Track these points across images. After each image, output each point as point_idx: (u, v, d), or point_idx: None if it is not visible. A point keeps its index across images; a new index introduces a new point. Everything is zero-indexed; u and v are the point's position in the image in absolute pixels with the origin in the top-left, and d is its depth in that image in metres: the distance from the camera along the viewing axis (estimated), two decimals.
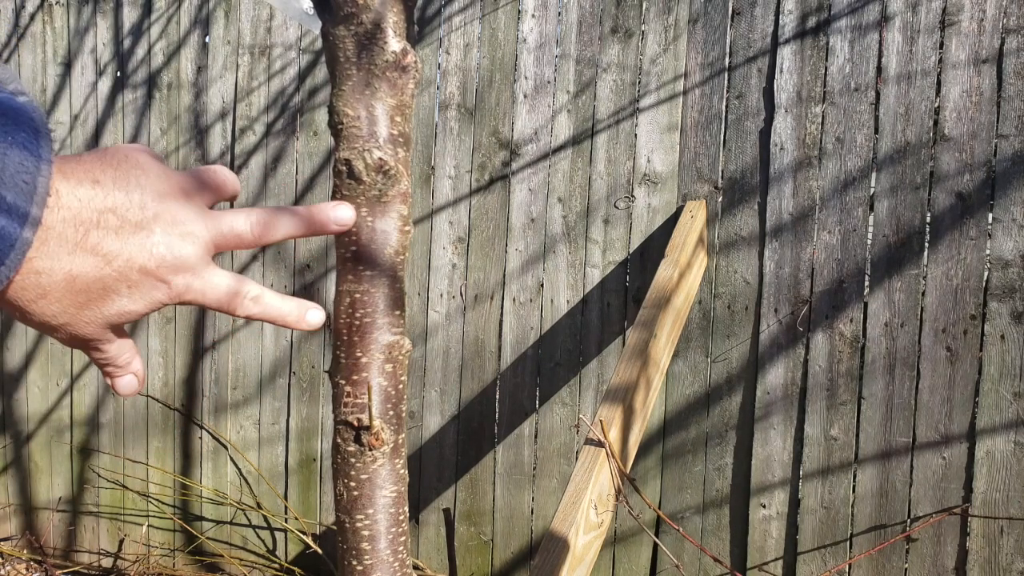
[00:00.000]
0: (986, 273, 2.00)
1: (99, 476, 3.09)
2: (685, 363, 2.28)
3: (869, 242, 2.11)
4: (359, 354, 0.55)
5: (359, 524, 0.57)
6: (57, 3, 3.08)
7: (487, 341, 2.51)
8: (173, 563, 2.99)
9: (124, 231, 0.43)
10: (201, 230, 0.47)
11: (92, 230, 0.42)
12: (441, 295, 2.56)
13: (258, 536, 2.86)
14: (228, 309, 0.49)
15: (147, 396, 2.99)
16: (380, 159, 0.53)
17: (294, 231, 0.52)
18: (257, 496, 2.84)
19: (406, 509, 0.59)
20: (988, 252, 2.00)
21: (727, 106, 2.23)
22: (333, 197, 0.55)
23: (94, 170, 0.43)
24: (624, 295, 2.34)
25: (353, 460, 0.56)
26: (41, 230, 0.40)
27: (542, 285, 2.44)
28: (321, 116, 2.71)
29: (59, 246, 0.41)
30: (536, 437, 2.47)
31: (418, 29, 2.58)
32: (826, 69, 2.12)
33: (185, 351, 2.94)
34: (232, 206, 2.80)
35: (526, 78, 2.44)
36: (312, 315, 0.52)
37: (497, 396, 2.51)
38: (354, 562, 0.57)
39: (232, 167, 2.86)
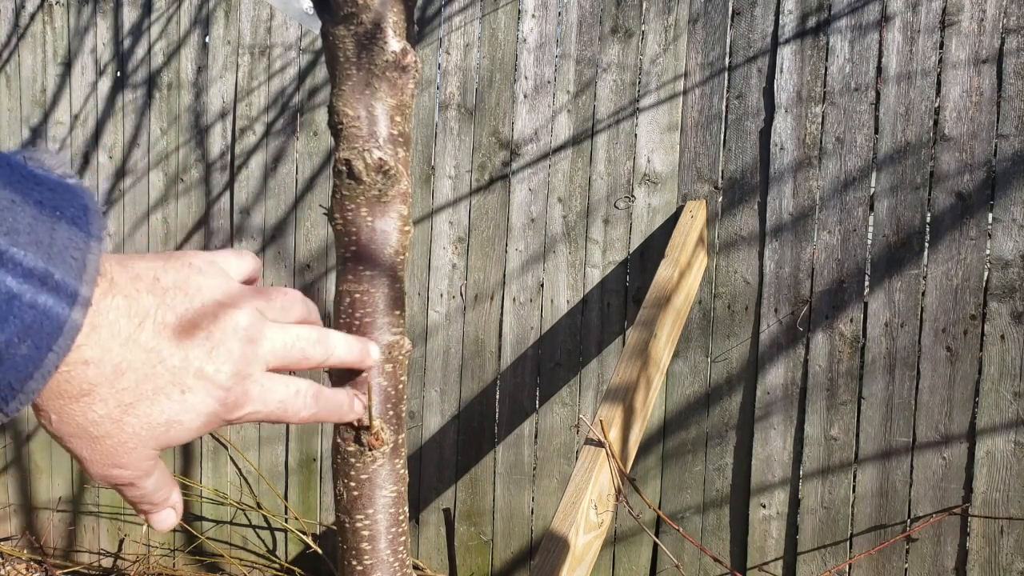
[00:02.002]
0: (986, 273, 2.00)
1: None
2: (685, 363, 2.28)
3: (869, 242, 2.11)
4: None
5: (359, 524, 0.57)
6: (57, 3, 3.08)
7: (487, 341, 2.51)
8: (173, 563, 2.99)
9: (181, 331, 0.40)
10: (265, 340, 0.43)
11: (147, 323, 0.38)
12: (441, 295, 2.56)
13: (258, 536, 2.86)
14: (289, 415, 0.45)
15: None
16: (380, 159, 0.53)
17: (346, 358, 0.49)
18: (257, 496, 2.84)
19: (406, 509, 0.59)
20: (988, 252, 2.00)
21: (727, 106, 2.23)
22: (333, 197, 0.55)
23: (155, 266, 0.40)
24: (624, 295, 2.34)
25: (353, 460, 0.56)
26: (91, 313, 0.36)
27: (542, 285, 2.44)
28: (321, 116, 2.71)
29: (111, 336, 0.37)
30: (536, 437, 2.47)
31: (418, 29, 2.58)
32: (826, 69, 2.12)
33: None
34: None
35: (526, 78, 2.44)
36: (358, 405, 0.51)
37: (497, 396, 2.51)
38: (354, 562, 0.57)
39: (232, 167, 2.86)
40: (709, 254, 2.24)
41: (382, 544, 0.57)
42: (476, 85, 2.51)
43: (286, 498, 2.80)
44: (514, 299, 2.47)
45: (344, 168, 0.54)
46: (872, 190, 2.10)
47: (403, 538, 0.59)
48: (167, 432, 0.40)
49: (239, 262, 0.47)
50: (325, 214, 0.68)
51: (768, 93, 2.18)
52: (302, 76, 2.74)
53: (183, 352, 0.39)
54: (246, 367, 0.42)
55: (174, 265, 0.41)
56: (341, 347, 0.48)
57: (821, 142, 2.13)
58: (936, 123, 2.04)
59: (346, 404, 0.50)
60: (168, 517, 0.46)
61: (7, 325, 0.32)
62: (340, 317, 0.56)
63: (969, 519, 2.02)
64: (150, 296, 0.39)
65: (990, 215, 2.00)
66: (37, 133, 3.20)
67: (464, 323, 2.54)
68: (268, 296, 0.45)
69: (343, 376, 0.56)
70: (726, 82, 2.23)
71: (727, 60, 2.22)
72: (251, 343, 0.42)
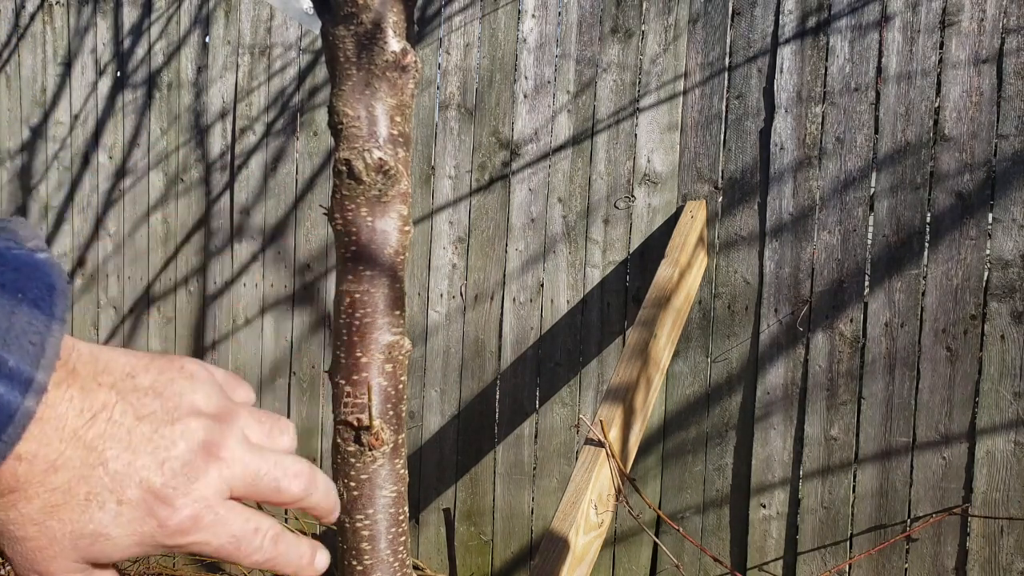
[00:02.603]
0: (986, 273, 2.00)
1: None
2: (685, 363, 2.28)
3: (869, 242, 2.11)
4: (359, 354, 0.55)
5: (359, 524, 0.57)
6: (57, 3, 3.08)
7: (487, 341, 2.51)
8: (173, 563, 2.99)
9: (138, 433, 0.35)
10: (236, 462, 0.38)
11: (99, 419, 0.35)
12: (441, 295, 2.56)
13: None
14: (239, 555, 0.39)
15: None
16: (380, 159, 0.53)
17: (328, 501, 0.44)
18: None
19: (406, 509, 0.59)
20: (988, 252, 2.00)
21: (727, 106, 2.23)
22: (333, 197, 0.55)
23: (138, 364, 0.37)
24: (624, 295, 2.34)
25: (353, 460, 0.56)
26: (42, 404, 0.33)
27: (542, 285, 2.44)
28: (321, 116, 2.71)
29: (54, 430, 0.34)
30: (536, 437, 2.47)
31: (418, 29, 2.58)
32: (826, 69, 2.12)
33: (185, 351, 2.94)
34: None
35: (526, 78, 2.44)
36: (320, 559, 0.44)
37: (497, 396, 2.51)
38: (354, 562, 0.57)
39: (232, 167, 2.86)
40: (709, 254, 2.24)
41: (382, 544, 0.57)
42: (476, 85, 2.51)
43: None
44: (514, 299, 2.47)
45: (344, 168, 0.54)
46: (872, 190, 2.10)
47: (403, 538, 0.59)
48: (92, 545, 0.36)
49: (240, 386, 0.43)
50: (325, 214, 0.68)
51: (768, 93, 2.18)
52: (302, 76, 2.74)
53: (131, 456, 0.35)
54: (203, 490, 0.36)
55: (160, 366, 0.38)
56: (321, 490, 0.42)
57: (821, 142, 2.13)
58: (936, 123, 2.04)
59: (306, 556, 0.43)
60: None
61: None
62: (340, 317, 0.56)
63: (969, 519, 2.02)
64: (112, 392, 0.35)
65: (990, 215, 2.00)
66: (37, 133, 3.20)
67: (464, 323, 2.54)
68: (259, 418, 0.41)
69: (342, 373, 0.56)
70: (726, 82, 2.23)
71: (727, 60, 2.22)
72: (216, 461, 0.37)
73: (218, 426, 0.38)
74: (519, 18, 2.45)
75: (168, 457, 0.36)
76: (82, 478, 0.34)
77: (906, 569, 2.08)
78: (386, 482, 0.57)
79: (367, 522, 0.57)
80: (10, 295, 0.33)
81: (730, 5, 2.21)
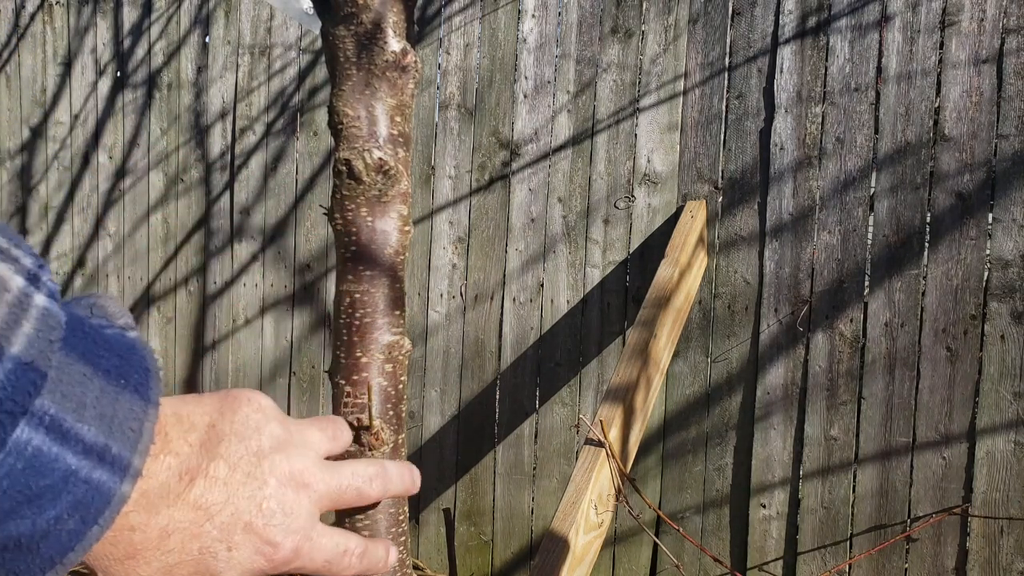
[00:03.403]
0: (986, 273, 2.00)
1: None
2: (685, 363, 2.28)
3: (869, 242, 2.11)
4: (359, 354, 0.55)
5: (359, 524, 0.57)
6: (57, 3, 3.08)
7: (487, 341, 2.51)
8: None
9: (233, 482, 0.38)
10: (320, 484, 0.42)
11: (199, 479, 0.37)
12: (441, 295, 2.56)
13: None
14: (334, 572, 0.43)
15: None
16: (380, 159, 0.53)
17: (400, 490, 0.48)
18: None
19: (406, 509, 0.59)
20: (988, 252, 2.00)
21: (727, 106, 2.23)
22: (333, 197, 0.55)
23: (211, 410, 0.39)
24: (624, 295, 2.34)
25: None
26: (141, 480, 0.35)
27: (542, 285, 2.44)
28: (321, 116, 2.71)
29: (160, 498, 0.36)
30: (536, 437, 2.47)
31: (418, 29, 2.58)
32: (826, 69, 2.12)
33: (185, 351, 2.94)
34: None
35: (526, 78, 2.44)
36: (393, 554, 0.48)
37: (497, 396, 2.51)
38: None
39: (232, 167, 2.86)
40: (709, 254, 2.24)
41: None
42: (476, 85, 2.51)
43: None
44: (514, 299, 2.47)
45: (344, 168, 0.53)
46: (872, 190, 2.10)
47: (403, 538, 0.58)
48: None
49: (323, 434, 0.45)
50: (325, 214, 0.68)
51: (768, 93, 2.18)
52: (302, 76, 2.74)
53: (232, 506, 0.38)
54: (298, 520, 0.40)
55: (231, 406, 0.40)
56: (396, 480, 0.47)
57: (821, 142, 2.13)
58: (936, 123, 2.04)
59: (383, 559, 0.47)
60: None
61: (59, 501, 0.32)
62: (340, 317, 0.56)
63: (969, 519, 2.02)
64: (202, 449, 0.38)
65: (990, 215, 2.00)
66: (37, 133, 3.20)
67: (464, 323, 2.54)
68: (321, 427, 0.44)
69: (342, 373, 0.56)
70: (726, 82, 2.23)
71: (727, 60, 2.22)
72: (305, 488, 0.41)
73: (296, 452, 0.41)
74: (519, 18, 2.45)
75: (264, 497, 0.39)
76: (193, 536, 0.37)
77: (906, 569, 2.08)
78: None
79: (367, 522, 0.57)
80: (115, 382, 0.34)
81: (730, 5, 2.21)
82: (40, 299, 0.31)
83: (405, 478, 0.48)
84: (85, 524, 0.33)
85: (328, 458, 0.45)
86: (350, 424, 0.56)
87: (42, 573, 0.33)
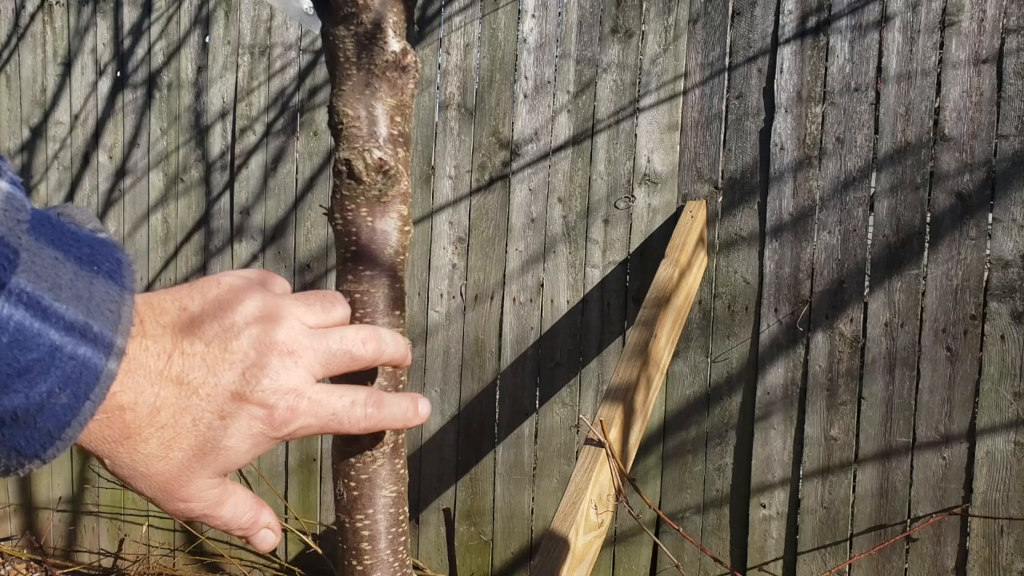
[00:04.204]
0: (986, 273, 2.00)
1: (99, 476, 3.09)
2: (685, 363, 2.28)
3: (869, 242, 2.11)
4: None
5: (359, 524, 0.57)
6: (57, 3, 3.08)
7: (487, 341, 2.51)
8: (173, 563, 2.99)
9: (211, 356, 0.39)
10: (306, 350, 0.42)
11: (175, 356, 0.39)
12: (441, 295, 2.56)
13: None
14: (346, 427, 0.43)
15: None
16: (380, 159, 0.53)
17: (397, 355, 0.48)
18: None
19: (406, 509, 0.59)
20: (988, 252, 2.00)
21: (727, 106, 2.23)
22: (333, 197, 0.55)
23: (183, 297, 0.40)
24: (624, 295, 2.34)
25: (353, 460, 0.56)
26: (125, 361, 0.37)
27: (542, 285, 2.44)
28: (321, 116, 2.71)
29: (143, 378, 0.38)
30: (536, 437, 2.47)
31: (418, 29, 2.58)
32: (826, 69, 2.12)
33: None
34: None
35: (526, 78, 2.44)
36: (423, 407, 0.48)
37: (497, 396, 2.51)
38: (354, 562, 0.57)
39: (232, 167, 2.86)
40: (709, 254, 2.24)
41: (382, 544, 0.57)
42: (476, 85, 2.51)
43: (286, 498, 2.80)
44: (514, 299, 2.47)
45: (344, 168, 0.53)
46: (872, 190, 2.10)
47: (403, 538, 0.59)
48: (217, 460, 0.40)
49: (277, 282, 0.46)
50: (325, 214, 0.68)
51: (768, 93, 2.18)
52: (302, 76, 2.74)
53: (215, 378, 0.39)
54: (288, 382, 0.41)
55: (201, 289, 0.41)
56: (391, 345, 0.47)
57: (821, 142, 2.13)
58: (936, 123, 2.04)
59: (411, 410, 0.47)
60: (266, 538, 0.46)
61: (49, 376, 0.34)
62: None
63: (969, 519, 2.02)
64: (176, 330, 0.39)
65: (990, 215, 2.00)
66: (37, 133, 3.20)
67: (464, 323, 2.54)
68: (307, 302, 0.44)
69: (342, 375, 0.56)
70: (726, 82, 2.23)
71: (727, 60, 2.22)
72: (291, 356, 0.41)
73: (275, 324, 0.41)
74: (519, 18, 2.45)
75: (247, 367, 0.40)
76: (182, 409, 0.39)
77: (906, 569, 2.08)
78: (386, 482, 0.57)
79: (367, 522, 0.57)
80: (87, 268, 0.36)
81: (730, 5, 2.21)
82: (3, 184, 0.33)
83: (400, 345, 0.48)
84: (78, 399, 0.35)
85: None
86: None
87: (43, 450, 0.35)
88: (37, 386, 0.34)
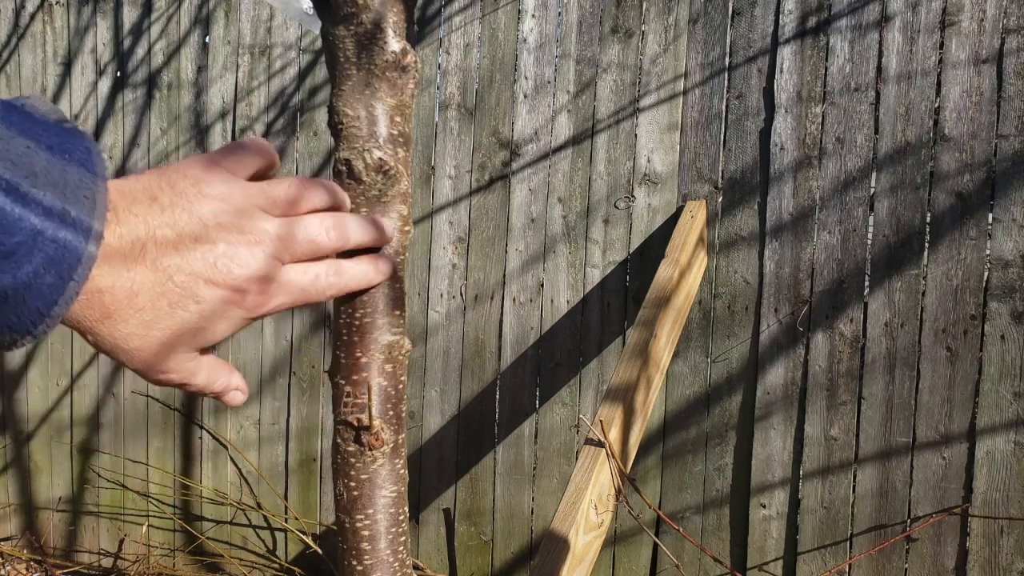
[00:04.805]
0: (986, 273, 2.00)
1: (99, 476, 3.09)
2: (685, 363, 2.28)
3: (869, 242, 2.11)
4: (359, 354, 0.55)
5: (359, 524, 0.57)
6: (57, 3, 3.07)
7: (487, 341, 2.51)
8: (173, 563, 2.99)
9: (183, 245, 0.42)
10: (271, 239, 0.44)
11: (149, 245, 0.41)
12: (441, 295, 2.56)
13: (258, 536, 2.86)
14: (315, 297, 0.47)
15: (147, 396, 2.99)
16: (380, 159, 0.53)
17: (364, 239, 0.50)
18: (257, 496, 2.84)
19: (406, 509, 0.59)
20: (988, 252, 2.00)
21: (727, 106, 2.23)
22: None
23: (152, 186, 0.42)
24: (624, 295, 2.34)
25: (353, 460, 0.56)
26: (102, 246, 0.39)
27: (542, 285, 2.44)
28: (321, 116, 2.71)
29: (120, 261, 0.40)
30: (536, 437, 2.47)
31: (418, 29, 2.58)
32: (826, 69, 2.12)
33: None
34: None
35: (526, 78, 2.44)
36: (382, 265, 0.52)
37: (497, 396, 2.51)
38: (354, 562, 0.57)
39: None
40: (709, 254, 2.24)
41: (382, 544, 0.57)
42: (476, 85, 2.51)
43: (286, 498, 2.80)
44: (514, 299, 2.47)
45: (344, 168, 0.53)
46: (872, 190, 2.10)
47: (403, 538, 0.59)
48: (195, 339, 0.44)
49: (247, 157, 0.47)
50: None
51: (768, 93, 2.18)
52: (302, 76, 2.74)
53: (188, 266, 0.42)
54: (258, 267, 0.44)
55: (171, 180, 0.43)
56: (356, 231, 0.49)
57: (821, 142, 2.13)
58: (936, 123, 2.04)
59: (370, 271, 0.51)
60: (235, 397, 0.49)
61: (33, 257, 0.36)
62: (340, 317, 0.56)
63: (969, 519, 2.02)
64: (147, 220, 0.41)
65: (990, 215, 2.00)
66: None
67: (464, 323, 2.54)
68: (272, 191, 0.46)
69: (342, 373, 0.56)
70: (726, 82, 2.23)
71: (727, 60, 2.22)
72: (259, 245, 0.44)
73: (242, 215, 0.44)
74: (519, 18, 2.45)
75: (216, 256, 0.42)
76: (159, 294, 0.41)
77: (906, 569, 2.08)
78: (386, 482, 0.57)
79: (367, 522, 0.57)
80: (59, 156, 0.38)
81: (730, 5, 2.21)
82: None
83: (367, 229, 0.50)
84: (62, 280, 0.37)
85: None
86: (350, 424, 0.56)
87: (34, 327, 0.38)
88: (23, 267, 0.36)
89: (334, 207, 0.50)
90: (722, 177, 2.23)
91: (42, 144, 0.38)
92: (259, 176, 0.48)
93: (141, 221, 0.41)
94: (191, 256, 0.42)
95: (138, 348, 0.42)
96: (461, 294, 2.54)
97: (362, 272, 0.51)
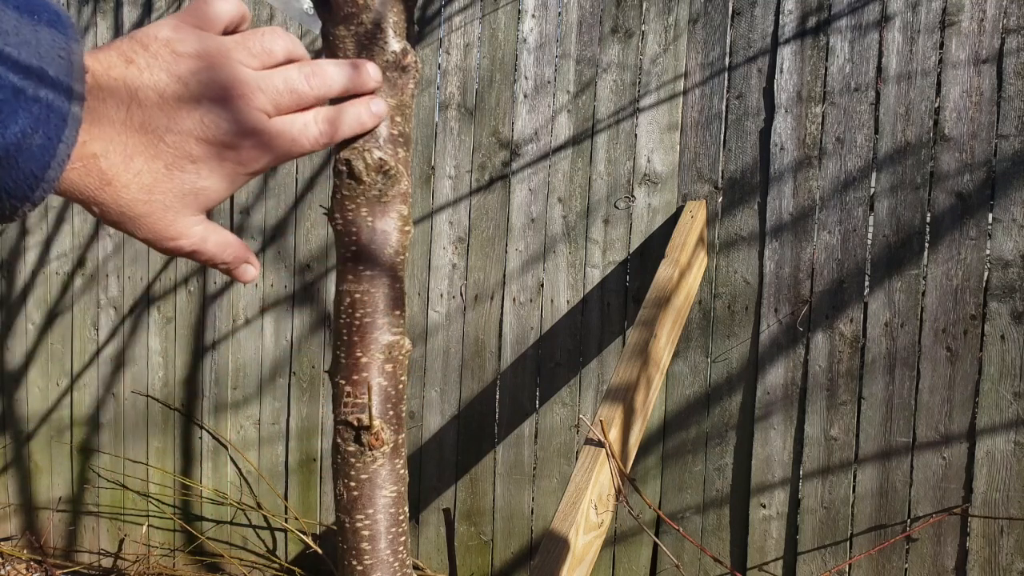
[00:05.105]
0: (986, 273, 2.00)
1: (99, 476, 3.09)
2: (685, 363, 2.28)
3: (869, 242, 2.11)
4: (359, 354, 0.55)
5: (359, 524, 0.57)
6: (57, 3, 3.08)
7: (487, 341, 2.51)
8: (173, 563, 2.99)
9: (168, 106, 0.41)
10: (253, 91, 0.44)
11: (134, 108, 0.40)
12: (441, 295, 2.56)
13: (258, 536, 2.86)
14: (308, 147, 0.47)
15: (147, 396, 2.99)
16: (380, 159, 0.53)
17: (347, 84, 0.49)
18: (257, 496, 2.84)
19: (406, 509, 0.59)
20: (988, 252, 2.00)
21: (727, 106, 2.23)
22: (333, 197, 0.55)
23: (125, 51, 0.41)
24: (624, 295, 2.34)
25: (353, 460, 0.56)
26: (87, 111, 0.39)
27: (542, 285, 2.44)
28: None
29: (108, 126, 0.40)
30: (536, 437, 2.47)
31: (418, 29, 2.58)
32: (826, 69, 2.12)
33: (185, 351, 2.94)
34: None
35: (526, 78, 2.44)
36: (376, 105, 0.50)
37: (497, 396, 2.52)
38: (354, 562, 0.57)
39: None
40: (709, 254, 2.24)
41: (382, 544, 0.57)
42: (476, 85, 2.51)
43: (286, 498, 2.80)
44: (514, 299, 2.47)
45: (344, 168, 0.53)
46: (872, 190, 2.10)
47: (403, 538, 0.59)
48: (197, 199, 0.43)
49: (217, 12, 0.45)
50: (325, 214, 0.68)
51: (768, 93, 2.18)
52: None
53: (177, 126, 0.41)
54: (246, 120, 0.43)
55: (143, 42, 0.42)
56: (336, 75, 0.48)
57: (821, 142, 2.13)
58: (936, 123, 2.04)
59: (364, 114, 0.50)
60: (247, 271, 0.49)
61: (18, 116, 0.36)
62: (340, 317, 0.56)
63: (969, 519, 2.02)
64: (128, 80, 0.40)
65: (990, 215, 2.00)
66: None
67: (464, 323, 2.54)
68: (247, 43, 0.45)
69: (342, 373, 0.56)
70: (726, 82, 2.23)
71: (727, 60, 2.22)
72: (242, 99, 0.43)
73: (221, 71, 0.43)
74: (519, 18, 2.45)
75: (202, 113, 0.42)
76: (153, 156, 0.41)
77: (906, 569, 2.08)
78: (386, 482, 0.57)
79: (367, 522, 0.57)
80: (28, 17, 0.37)
81: (730, 5, 2.21)
82: None
83: (347, 71, 0.49)
84: (51, 140, 0.37)
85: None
86: (350, 424, 0.56)
87: (32, 191, 0.38)
88: (10, 127, 0.35)
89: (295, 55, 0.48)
90: (722, 177, 2.23)
91: (8, 4, 0.36)
92: (232, 30, 0.47)
93: (121, 84, 0.40)
94: (178, 116, 0.41)
95: (144, 214, 0.42)
96: (461, 294, 2.54)
97: (354, 116, 0.49)
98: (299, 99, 0.46)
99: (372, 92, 0.51)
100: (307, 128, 0.46)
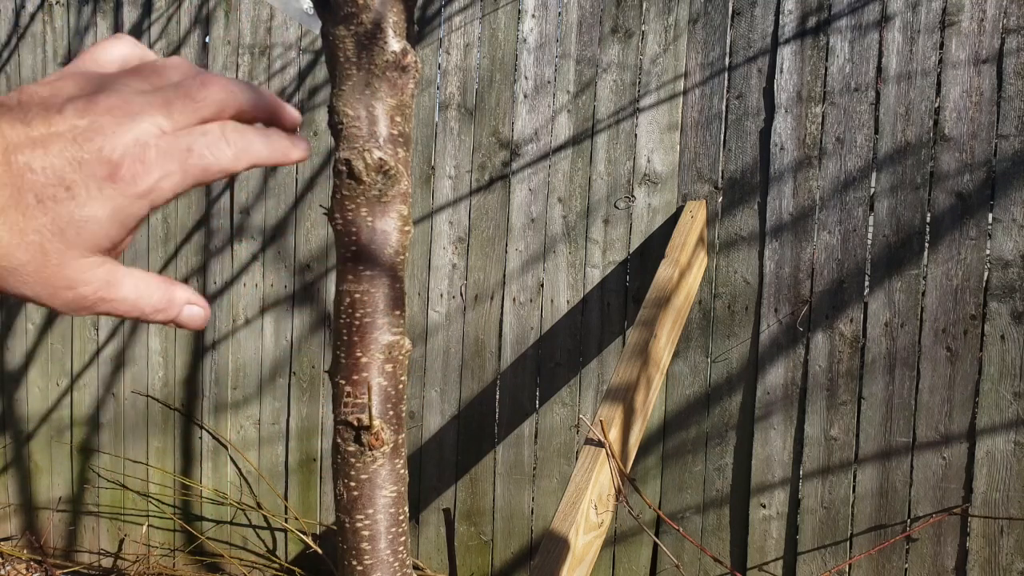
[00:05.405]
0: (986, 273, 2.00)
1: (99, 476, 3.09)
2: (685, 363, 2.28)
3: (869, 242, 2.11)
4: (359, 354, 0.55)
5: (359, 524, 0.57)
6: (57, 3, 3.07)
7: (487, 341, 2.51)
8: (173, 563, 2.99)
9: (36, 134, 0.36)
10: (143, 106, 0.38)
11: (27, 149, 0.35)
12: (441, 295, 2.56)
13: (258, 536, 2.86)
14: (214, 165, 0.39)
15: (147, 396, 2.99)
16: (380, 159, 0.53)
17: (252, 100, 0.41)
18: (257, 496, 2.84)
19: (406, 509, 0.59)
20: (988, 252, 2.00)
21: (727, 106, 2.23)
22: (333, 197, 0.55)
23: (22, 91, 0.37)
24: (624, 295, 2.34)
25: (353, 460, 0.56)
26: None
27: (542, 285, 2.44)
28: (321, 116, 2.71)
29: None
30: (536, 437, 2.47)
31: (418, 29, 2.58)
32: (826, 69, 2.12)
33: (185, 351, 2.94)
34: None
35: (526, 78, 2.44)
36: (299, 147, 0.42)
37: (497, 396, 2.51)
38: (354, 562, 0.57)
39: None
40: (709, 254, 2.24)
41: (382, 544, 0.57)
42: (476, 85, 2.51)
43: (286, 498, 2.80)
44: (514, 299, 2.47)
45: (344, 168, 0.53)
46: (872, 190, 2.10)
47: (403, 538, 0.59)
48: (80, 234, 0.37)
49: (108, 54, 0.41)
50: (325, 214, 0.68)
51: (768, 93, 2.18)
52: (302, 76, 2.74)
53: (45, 150, 0.36)
54: (126, 136, 0.37)
55: (29, 89, 0.37)
56: (229, 90, 0.40)
57: (821, 142, 2.13)
58: (936, 123, 2.04)
59: (281, 148, 0.42)
60: (193, 314, 0.41)
61: None
62: (340, 317, 0.56)
63: (969, 519, 2.02)
64: (19, 113, 0.36)
65: (990, 215, 2.00)
66: None
67: (464, 323, 2.54)
68: (138, 70, 0.40)
69: (342, 373, 0.56)
70: (726, 82, 2.23)
71: (727, 60, 2.22)
72: (128, 116, 0.37)
73: (102, 92, 0.37)
74: (519, 18, 2.45)
75: (76, 133, 0.36)
76: (19, 188, 0.35)
77: (906, 569, 2.08)
78: (386, 482, 0.57)
79: (367, 522, 0.57)
80: None
81: (730, 5, 2.21)
82: None
83: (244, 87, 0.41)
84: None
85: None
86: (350, 424, 0.56)
87: None
88: None
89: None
90: (722, 177, 2.23)
91: None
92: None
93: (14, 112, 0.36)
94: (47, 141, 0.36)
95: (24, 263, 0.36)
96: (461, 294, 2.54)
97: (264, 141, 0.41)
98: (195, 111, 0.39)
99: (290, 123, 0.44)
100: (204, 139, 0.38)
